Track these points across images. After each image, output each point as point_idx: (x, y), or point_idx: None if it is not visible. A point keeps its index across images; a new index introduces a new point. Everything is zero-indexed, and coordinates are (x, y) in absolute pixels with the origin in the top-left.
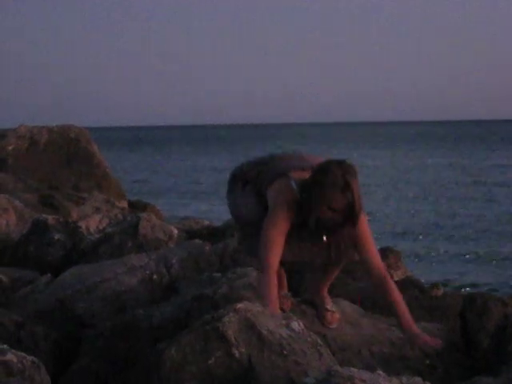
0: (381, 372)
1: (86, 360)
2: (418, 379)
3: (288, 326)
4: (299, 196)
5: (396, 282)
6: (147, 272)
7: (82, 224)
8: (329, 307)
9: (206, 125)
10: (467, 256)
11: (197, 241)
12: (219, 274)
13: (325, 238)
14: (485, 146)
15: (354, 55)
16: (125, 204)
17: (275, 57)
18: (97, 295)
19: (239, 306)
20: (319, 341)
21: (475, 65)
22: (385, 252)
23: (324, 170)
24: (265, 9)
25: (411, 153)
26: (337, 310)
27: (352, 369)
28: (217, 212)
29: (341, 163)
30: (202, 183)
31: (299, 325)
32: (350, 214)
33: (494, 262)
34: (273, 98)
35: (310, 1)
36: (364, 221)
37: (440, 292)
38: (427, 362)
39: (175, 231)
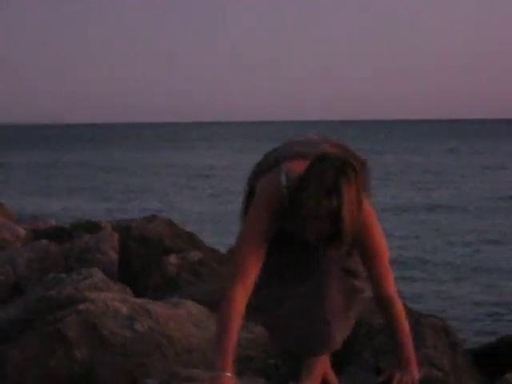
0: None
1: None
2: (260, 380)
3: (131, 326)
4: (288, 196)
5: None
6: None
7: None
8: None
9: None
10: None
11: (43, 241)
12: (64, 275)
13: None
14: None
15: None
16: None
17: None
18: None
19: (81, 307)
20: (164, 342)
21: None
22: None
23: (313, 166)
24: None
25: None
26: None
27: (195, 370)
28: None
29: (337, 159)
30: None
31: (143, 326)
32: (336, 226)
33: None
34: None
35: None
36: (376, 232)
37: None
38: (271, 361)
39: (22, 231)
